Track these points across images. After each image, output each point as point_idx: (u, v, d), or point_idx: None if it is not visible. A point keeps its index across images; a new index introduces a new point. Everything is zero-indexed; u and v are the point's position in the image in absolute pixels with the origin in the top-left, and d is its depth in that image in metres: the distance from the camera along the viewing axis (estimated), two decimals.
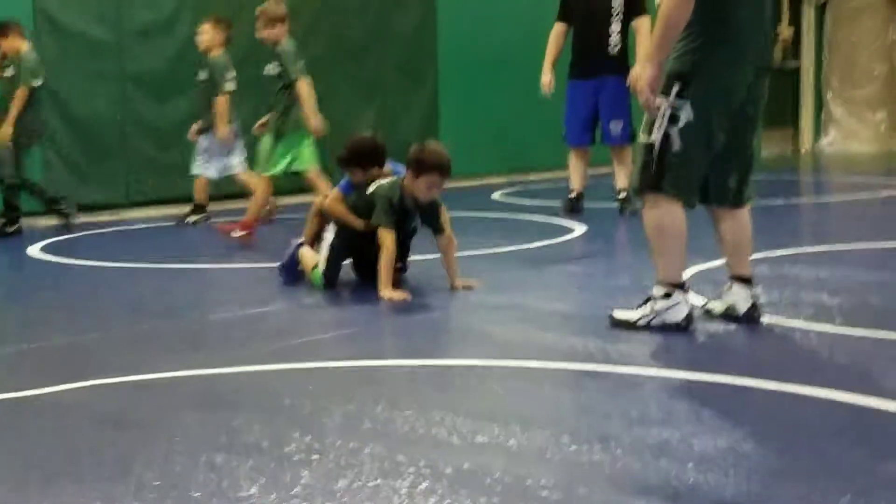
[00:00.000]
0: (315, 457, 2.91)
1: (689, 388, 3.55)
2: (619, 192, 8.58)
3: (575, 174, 8.71)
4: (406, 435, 3.09)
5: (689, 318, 4.33)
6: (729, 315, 4.47)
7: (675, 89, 4.19)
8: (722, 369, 3.75)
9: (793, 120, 13.77)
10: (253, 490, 2.68)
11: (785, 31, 12.71)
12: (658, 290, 4.35)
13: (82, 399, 3.56)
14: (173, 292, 5.63)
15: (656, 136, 4.23)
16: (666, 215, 4.29)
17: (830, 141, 15.51)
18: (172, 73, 9.43)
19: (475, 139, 11.46)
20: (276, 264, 5.76)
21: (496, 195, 10.41)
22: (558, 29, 8.59)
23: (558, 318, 4.76)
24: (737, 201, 4.44)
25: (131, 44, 9.17)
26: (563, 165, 9.00)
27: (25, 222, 8.61)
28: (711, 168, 4.34)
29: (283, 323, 4.79)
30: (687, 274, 5.54)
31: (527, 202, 9.66)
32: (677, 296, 4.33)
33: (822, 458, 2.84)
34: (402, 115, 10.85)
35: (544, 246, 6.89)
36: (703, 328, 4.40)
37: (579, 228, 7.65)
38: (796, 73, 12.61)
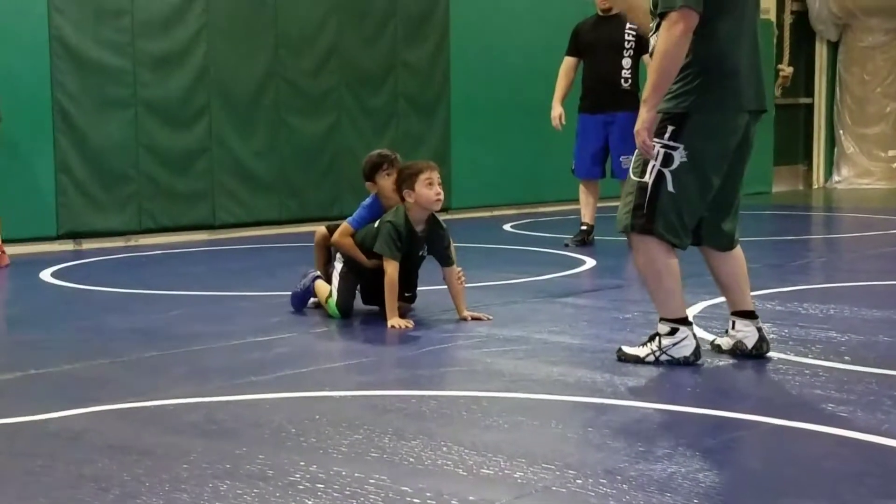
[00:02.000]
0: (320, 486, 2.91)
1: (695, 423, 3.54)
2: None
3: (585, 207, 8.72)
4: (412, 466, 3.09)
5: (696, 352, 4.33)
6: (737, 351, 4.45)
7: (669, 131, 4.18)
8: (729, 405, 3.74)
9: (805, 157, 13.79)
10: None
11: (785, 69, 12.78)
12: (663, 327, 4.35)
13: (89, 425, 3.57)
14: (183, 319, 5.64)
15: (649, 178, 4.21)
16: (658, 257, 4.28)
17: (842, 178, 15.50)
18: (186, 101, 9.49)
19: (486, 171, 11.49)
20: (289, 293, 5.77)
21: (507, 227, 10.43)
22: (568, 63, 8.63)
23: (566, 351, 4.76)
24: (730, 245, 4.45)
25: (145, 71, 9.24)
26: (575, 198, 9.02)
27: (39, 247, 8.66)
28: (707, 210, 4.33)
29: (290, 351, 4.79)
30: (696, 309, 5.59)
31: (537, 234, 9.68)
32: (683, 331, 4.33)
33: (829, 495, 2.83)
34: (415, 146, 10.88)
35: (554, 278, 6.89)
36: (711, 363, 4.39)
37: (589, 261, 7.65)
38: (809, 110, 12.63)
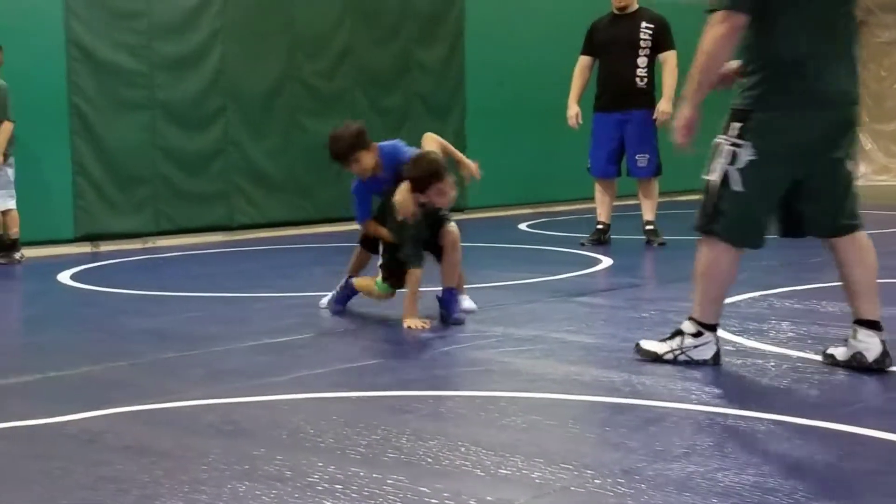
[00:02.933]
0: (338, 487, 2.91)
1: (713, 422, 3.52)
2: (645, 225, 8.56)
3: (601, 206, 8.70)
4: (430, 466, 3.09)
5: (716, 357, 4.29)
6: (854, 363, 4.16)
7: (735, 128, 4.07)
8: (746, 404, 3.73)
9: None
10: None
11: None
12: (689, 327, 4.30)
13: (107, 427, 3.58)
14: (199, 320, 5.65)
15: (715, 177, 4.12)
16: (715, 260, 4.19)
17: (860, 175, 15.42)
18: (201, 103, 9.52)
19: (501, 171, 11.46)
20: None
21: (522, 226, 10.42)
22: (583, 62, 8.61)
23: (583, 350, 4.75)
24: (837, 229, 4.20)
25: (161, 74, 9.27)
26: (590, 197, 9.01)
27: (56, 250, 8.70)
28: (797, 202, 4.16)
29: (306, 352, 4.80)
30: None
31: (553, 234, 9.66)
32: (708, 335, 4.29)
33: (848, 495, 2.81)
34: None
35: (570, 277, 6.88)
36: (728, 362, 4.37)
37: (605, 260, 7.64)
38: None
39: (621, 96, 8.43)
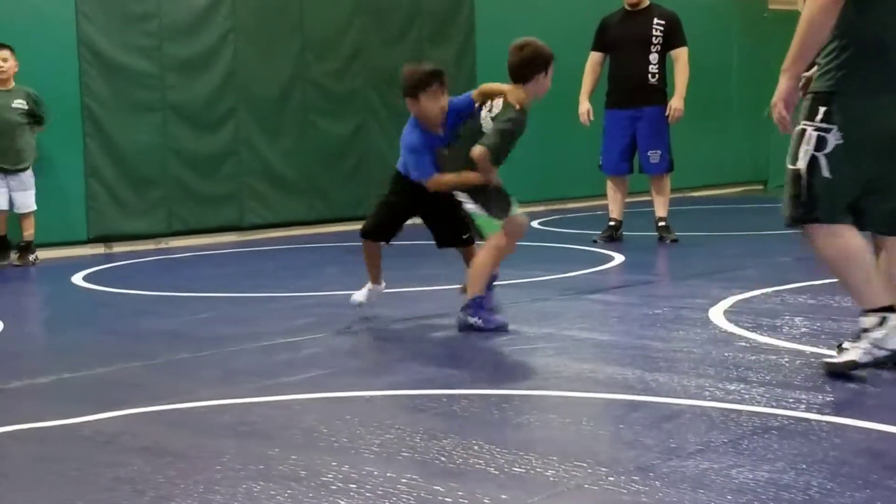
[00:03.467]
0: (353, 486, 2.92)
1: (727, 419, 3.52)
2: (658, 221, 8.55)
3: (613, 203, 8.69)
4: (443, 465, 3.09)
5: None
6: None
7: (821, 112, 3.90)
8: (759, 400, 3.72)
9: None
10: None
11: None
12: (869, 319, 3.97)
13: (122, 428, 3.59)
14: (212, 321, 5.67)
15: (802, 164, 3.93)
16: (841, 243, 3.94)
17: None
18: (213, 104, 9.54)
19: (514, 168, 11.38)
20: (316, 293, 5.75)
21: (534, 223, 10.41)
22: (594, 58, 8.60)
23: (596, 347, 4.75)
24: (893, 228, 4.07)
25: (173, 75, 9.29)
26: (602, 194, 9.00)
27: (69, 252, 8.73)
28: (870, 194, 3.99)
29: (320, 352, 4.80)
30: (727, 303, 5.56)
31: (565, 231, 9.65)
32: (893, 318, 3.93)
33: (861, 488, 2.80)
34: None
35: (583, 275, 6.88)
36: (743, 357, 4.36)
37: (618, 257, 7.63)
38: None
39: (633, 93, 8.42)
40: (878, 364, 3.95)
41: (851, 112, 3.88)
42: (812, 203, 3.93)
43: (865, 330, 3.97)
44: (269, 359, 4.67)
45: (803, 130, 3.94)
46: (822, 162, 3.89)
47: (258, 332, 5.22)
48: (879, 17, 3.88)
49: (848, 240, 3.95)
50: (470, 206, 5.12)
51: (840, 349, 4.12)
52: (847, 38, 3.89)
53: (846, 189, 3.94)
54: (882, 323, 3.94)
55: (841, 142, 3.88)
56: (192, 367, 4.59)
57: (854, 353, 3.97)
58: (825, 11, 3.80)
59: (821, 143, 3.89)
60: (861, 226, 4.04)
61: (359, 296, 5.56)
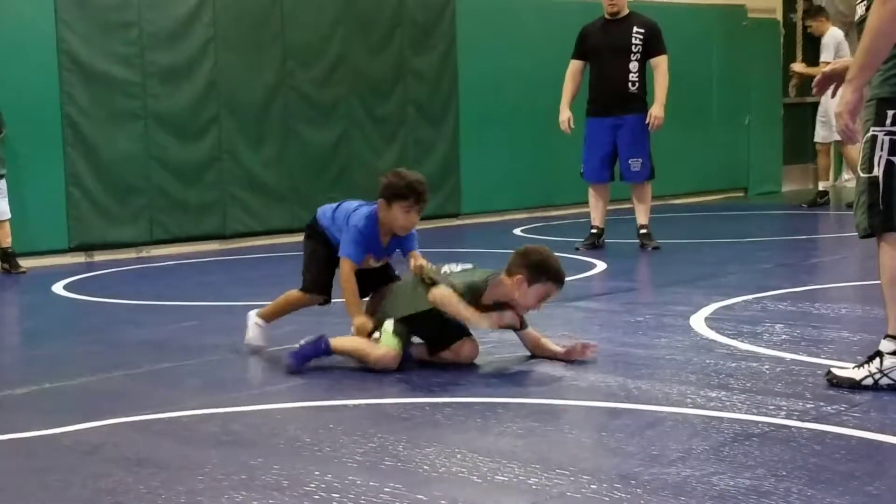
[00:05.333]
0: (336, 495, 2.92)
1: (709, 426, 3.54)
2: (639, 229, 8.58)
3: (595, 211, 8.72)
4: (426, 473, 3.10)
5: None
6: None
7: (890, 116, 3.79)
8: (741, 407, 3.74)
9: (813, 156, 13.77)
10: None
11: (797, 66, 12.66)
12: (889, 345, 3.90)
13: (105, 438, 3.59)
14: (196, 330, 5.66)
15: (878, 171, 3.82)
16: None
17: (850, 176, 15.45)
18: (195, 112, 9.52)
19: (496, 176, 11.50)
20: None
21: (517, 231, 10.42)
22: (574, 66, 8.62)
23: None
24: None
25: (154, 83, 9.27)
26: (584, 201, 9.02)
27: (51, 260, 8.70)
28: None
29: None
30: (708, 310, 5.59)
31: (548, 238, 9.67)
32: None
33: (839, 495, 2.83)
34: (425, 153, 10.91)
35: (566, 282, 6.88)
36: (722, 364, 4.38)
37: (600, 265, 7.65)
38: (816, 109, 12.62)
39: (614, 101, 8.46)
40: (877, 389, 3.89)
41: None
42: (891, 210, 3.83)
43: (879, 353, 3.91)
44: (251, 368, 4.67)
45: (875, 136, 3.83)
46: None
47: (241, 340, 5.21)
48: None
49: None
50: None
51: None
52: None
53: None
54: None
55: None
56: (175, 376, 4.58)
57: (859, 372, 3.93)
58: (892, 21, 3.67)
59: (894, 148, 3.81)
60: None
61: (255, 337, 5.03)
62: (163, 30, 9.31)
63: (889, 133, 3.81)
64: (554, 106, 8.66)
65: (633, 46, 8.40)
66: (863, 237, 3.95)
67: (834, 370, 4.05)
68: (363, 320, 4.69)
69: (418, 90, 10.98)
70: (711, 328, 5.14)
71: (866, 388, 3.90)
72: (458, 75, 11.24)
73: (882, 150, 3.82)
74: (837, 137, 11.80)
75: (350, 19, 10.44)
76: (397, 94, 10.83)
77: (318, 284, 5.04)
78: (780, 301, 5.86)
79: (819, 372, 4.21)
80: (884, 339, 3.92)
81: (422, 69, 11.03)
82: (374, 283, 4.94)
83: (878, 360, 3.90)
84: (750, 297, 5.98)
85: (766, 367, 4.35)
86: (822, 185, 11.98)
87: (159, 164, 9.34)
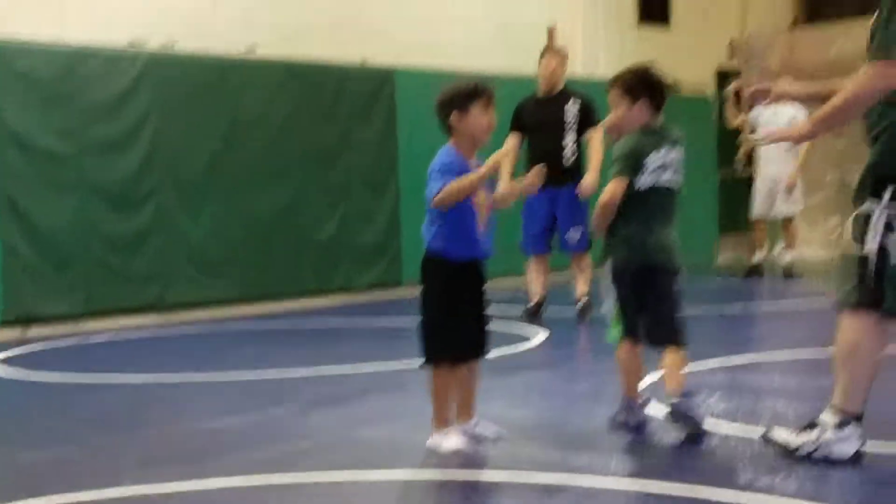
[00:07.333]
0: None
1: (649, 500, 3.56)
2: (578, 300, 8.65)
3: (535, 282, 8.79)
4: None
5: (858, 455, 3.86)
6: None
7: (888, 192, 3.72)
8: (680, 477, 3.77)
9: (748, 226, 14.02)
10: None
11: (733, 86, 12.64)
12: (830, 417, 3.87)
13: None
14: (134, 405, 5.58)
15: (871, 248, 3.74)
16: (867, 343, 3.81)
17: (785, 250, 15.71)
18: (134, 183, 9.48)
19: None
20: (237, 373, 5.69)
21: None
22: (512, 140, 8.73)
23: (519, 426, 4.76)
24: None
25: (92, 156, 9.22)
26: (521, 273, 9.08)
27: None
28: None
29: (242, 434, 4.75)
30: (647, 379, 5.62)
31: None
32: (851, 428, 3.85)
33: None
34: (366, 220, 10.97)
35: (505, 353, 6.92)
36: (658, 436, 4.42)
37: (540, 335, 7.69)
38: (750, 180, 12.87)
39: (550, 174, 8.51)
40: (809, 460, 3.87)
41: None
42: (881, 290, 3.74)
43: (818, 424, 3.89)
44: (190, 443, 4.62)
45: (870, 211, 3.76)
46: (892, 247, 3.72)
47: (180, 415, 5.16)
48: None
49: (881, 337, 3.84)
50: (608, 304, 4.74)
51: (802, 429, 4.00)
52: None
53: None
54: (841, 426, 3.85)
55: None
56: (112, 452, 4.51)
57: (798, 440, 3.91)
58: (870, 95, 3.66)
59: (889, 228, 3.72)
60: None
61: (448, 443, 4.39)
62: (101, 103, 9.29)
63: (886, 209, 3.72)
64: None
65: (567, 122, 8.55)
66: (841, 311, 3.88)
67: (772, 434, 4.02)
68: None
69: (362, 159, 11.04)
70: (655, 398, 5.17)
71: (799, 458, 3.89)
72: (398, 146, 11.33)
73: (877, 227, 3.73)
74: (775, 213, 12.12)
75: (294, 90, 10.50)
76: (343, 162, 10.88)
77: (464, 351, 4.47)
78: (716, 373, 5.92)
79: (755, 443, 4.26)
80: (827, 410, 3.90)
81: (365, 139, 11.10)
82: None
83: (818, 430, 3.88)
84: (687, 368, 6.03)
85: (702, 438, 4.39)
86: (757, 257, 12.20)
87: (96, 235, 9.26)
